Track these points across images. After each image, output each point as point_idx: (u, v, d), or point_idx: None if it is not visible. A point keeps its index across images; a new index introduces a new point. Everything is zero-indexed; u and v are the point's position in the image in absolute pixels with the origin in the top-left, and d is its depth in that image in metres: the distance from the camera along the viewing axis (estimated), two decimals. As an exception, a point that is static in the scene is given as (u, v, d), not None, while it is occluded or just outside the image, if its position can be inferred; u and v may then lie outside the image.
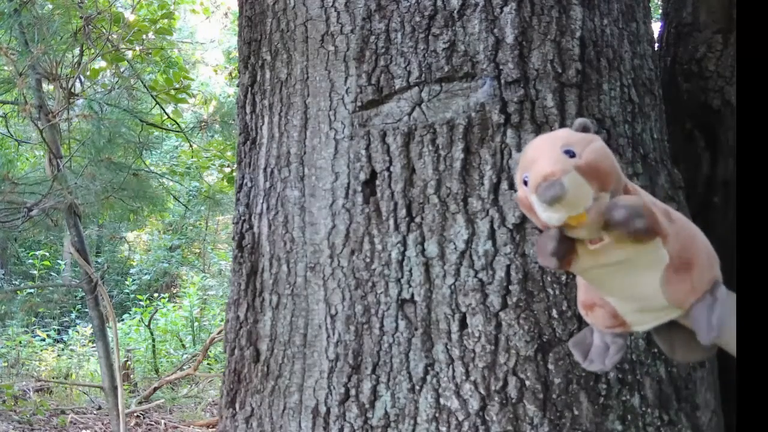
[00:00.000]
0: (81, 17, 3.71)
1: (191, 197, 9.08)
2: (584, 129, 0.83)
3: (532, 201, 0.80)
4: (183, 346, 7.49)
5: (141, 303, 8.87)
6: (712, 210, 1.68)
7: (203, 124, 5.01)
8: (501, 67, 1.25)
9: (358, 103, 1.32)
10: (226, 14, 10.95)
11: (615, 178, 0.81)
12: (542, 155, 0.81)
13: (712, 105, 1.73)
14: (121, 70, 4.30)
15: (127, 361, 6.03)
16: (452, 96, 1.27)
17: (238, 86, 1.62)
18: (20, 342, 6.79)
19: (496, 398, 1.17)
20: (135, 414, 4.76)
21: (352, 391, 1.25)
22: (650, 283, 0.82)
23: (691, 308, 0.82)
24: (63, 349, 7.33)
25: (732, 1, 1.74)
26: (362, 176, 1.30)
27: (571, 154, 0.79)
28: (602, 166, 0.79)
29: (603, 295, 0.88)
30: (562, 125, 1.24)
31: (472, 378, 1.18)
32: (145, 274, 11.01)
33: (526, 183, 0.82)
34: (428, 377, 1.21)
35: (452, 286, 1.22)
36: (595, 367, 0.92)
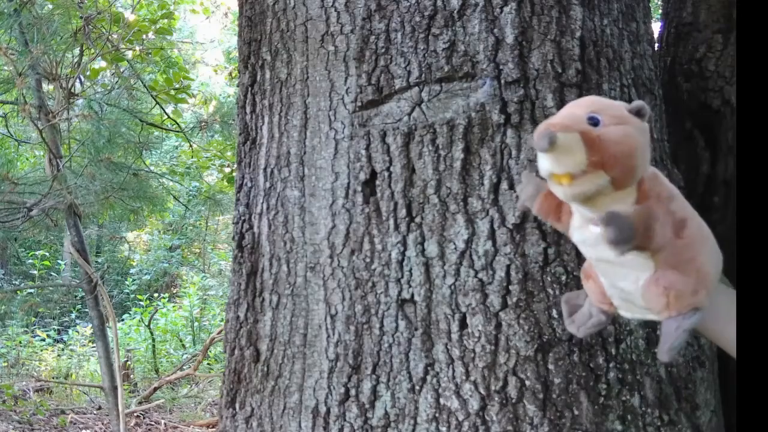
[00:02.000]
0: (81, 17, 3.71)
1: (191, 197, 9.08)
2: (637, 112, 0.80)
3: None
4: (183, 346, 7.49)
5: (141, 303, 8.87)
6: (712, 210, 1.68)
7: (203, 124, 5.01)
8: (501, 67, 1.25)
9: (358, 103, 1.32)
10: (226, 14, 10.95)
11: (625, 167, 0.77)
12: (566, 109, 0.80)
13: (712, 105, 1.73)
14: (121, 70, 4.30)
15: (127, 361, 6.03)
16: (452, 96, 1.27)
17: (238, 86, 1.62)
18: (20, 342, 6.79)
19: (496, 398, 1.17)
20: (135, 414, 4.76)
21: (352, 391, 1.25)
22: (633, 282, 0.81)
23: (663, 322, 0.81)
24: (63, 349, 7.33)
25: (732, 1, 1.74)
26: (362, 176, 1.30)
27: (594, 121, 0.76)
28: (615, 148, 0.75)
29: (596, 270, 0.87)
30: (562, 125, 1.24)
31: (472, 378, 1.18)
32: (145, 274, 11.01)
33: None
34: (428, 377, 1.21)
35: (452, 286, 1.22)
36: (572, 329, 0.93)
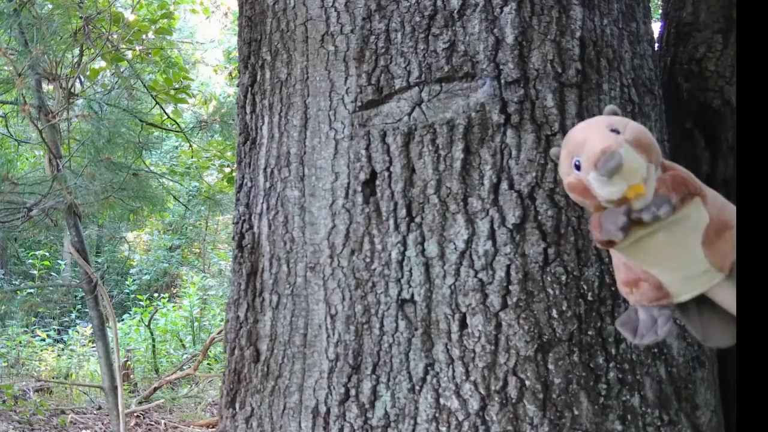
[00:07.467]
0: (81, 17, 3.71)
1: (191, 197, 9.07)
2: (614, 113, 0.91)
3: (589, 180, 0.85)
4: (183, 346, 7.49)
5: (141, 303, 8.86)
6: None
7: (203, 124, 5.00)
8: (501, 67, 1.25)
9: (358, 103, 1.32)
10: (226, 14, 10.94)
11: (657, 151, 0.87)
12: (591, 136, 0.86)
13: (712, 105, 1.73)
14: (121, 70, 4.29)
15: (127, 361, 6.03)
16: (452, 96, 1.27)
17: (238, 86, 1.62)
18: (20, 342, 6.79)
19: (496, 398, 1.17)
20: (135, 414, 4.76)
21: (352, 391, 1.25)
22: (693, 247, 0.87)
23: (733, 269, 0.87)
24: (63, 349, 7.33)
25: (732, 1, 1.74)
26: (362, 176, 1.30)
27: (616, 131, 0.85)
28: (646, 139, 0.86)
29: (647, 268, 0.91)
30: (562, 125, 1.25)
31: (472, 378, 1.18)
32: (145, 274, 11.00)
33: (578, 167, 0.87)
34: (428, 377, 1.21)
35: (452, 286, 1.22)
36: (647, 340, 0.96)
